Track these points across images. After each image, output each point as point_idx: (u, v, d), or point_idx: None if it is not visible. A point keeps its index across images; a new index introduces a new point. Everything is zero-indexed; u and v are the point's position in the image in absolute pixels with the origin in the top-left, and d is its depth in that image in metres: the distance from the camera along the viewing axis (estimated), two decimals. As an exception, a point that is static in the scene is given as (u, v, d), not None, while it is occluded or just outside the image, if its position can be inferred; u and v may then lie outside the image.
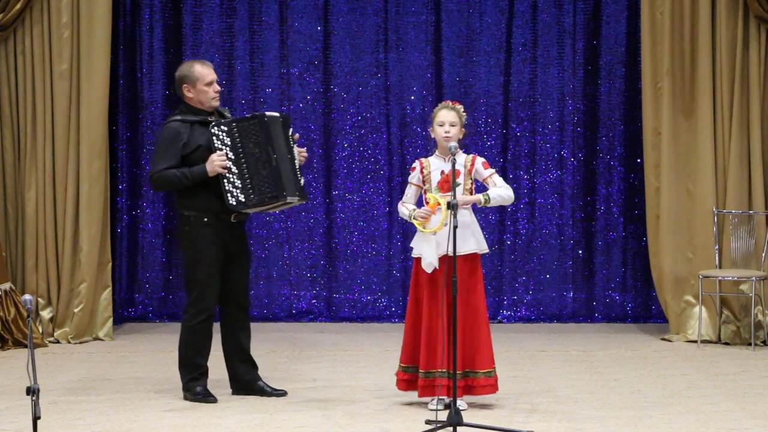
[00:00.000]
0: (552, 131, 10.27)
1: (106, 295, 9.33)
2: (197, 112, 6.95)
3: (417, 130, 10.28)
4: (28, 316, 5.11)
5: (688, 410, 6.72)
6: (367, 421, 6.46)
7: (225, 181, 6.78)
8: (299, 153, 6.97)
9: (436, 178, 6.77)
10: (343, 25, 10.22)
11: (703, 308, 9.11)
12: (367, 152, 10.31)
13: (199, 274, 6.90)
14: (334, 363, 8.32)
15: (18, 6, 9.02)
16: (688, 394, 7.18)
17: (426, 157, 6.91)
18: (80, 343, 9.15)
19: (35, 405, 4.99)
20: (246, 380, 7.11)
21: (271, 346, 8.98)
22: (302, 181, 6.96)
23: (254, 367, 7.15)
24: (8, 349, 8.80)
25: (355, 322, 10.26)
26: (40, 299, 9.23)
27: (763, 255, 9.08)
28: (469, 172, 6.79)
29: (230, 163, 6.79)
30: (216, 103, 7.00)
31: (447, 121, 6.79)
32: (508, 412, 6.68)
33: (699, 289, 9.04)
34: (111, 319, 9.35)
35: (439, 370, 6.62)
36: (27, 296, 5.20)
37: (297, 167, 6.90)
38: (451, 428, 6.05)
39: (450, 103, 6.90)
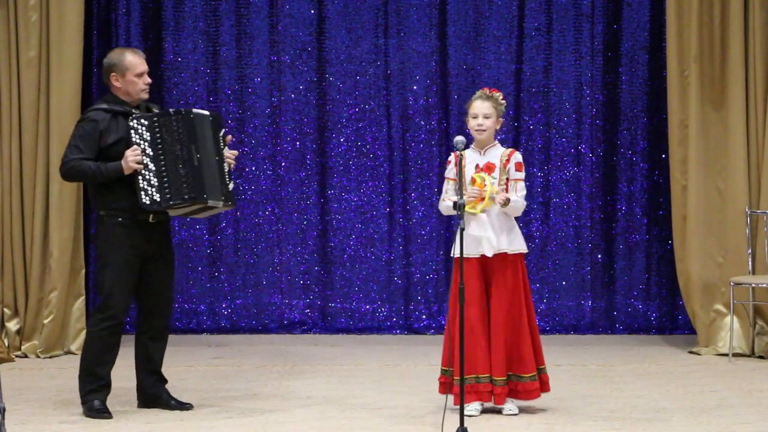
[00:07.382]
0: (568, 124, 10.28)
1: (79, 304, 9.35)
2: (123, 103, 7.09)
3: (420, 123, 10.28)
4: (-9, 327, 5.13)
5: (719, 430, 6.72)
6: (365, 443, 6.55)
7: (140, 178, 6.87)
8: (229, 156, 7.09)
9: (470, 171, 6.96)
10: (339, 7, 10.22)
11: (735, 318, 9.14)
12: (366, 147, 10.32)
13: (106, 279, 7.00)
14: (329, 379, 8.35)
15: (-19, -13, 9.04)
16: (719, 413, 7.19)
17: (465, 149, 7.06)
18: (50, 357, 9.18)
19: (1, 426, 5.02)
20: (150, 393, 7.29)
21: (260, 360, 9.01)
22: (231, 186, 7.06)
23: (161, 381, 7.31)
24: (-29, 364, 8.84)
25: (353, 333, 10.27)
26: (5, 309, 9.24)
27: (801, 259, 9.13)
28: (504, 166, 6.97)
29: (147, 159, 6.88)
30: (145, 96, 7.15)
31: (480, 113, 7.01)
32: (522, 431, 6.73)
33: (730, 297, 9.07)
34: (84, 331, 9.22)
35: (483, 375, 6.89)
36: (-10, 306, 5.21)
37: (226, 170, 7.01)
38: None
39: (487, 91, 7.12)
